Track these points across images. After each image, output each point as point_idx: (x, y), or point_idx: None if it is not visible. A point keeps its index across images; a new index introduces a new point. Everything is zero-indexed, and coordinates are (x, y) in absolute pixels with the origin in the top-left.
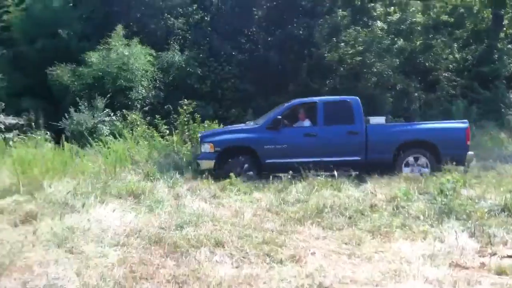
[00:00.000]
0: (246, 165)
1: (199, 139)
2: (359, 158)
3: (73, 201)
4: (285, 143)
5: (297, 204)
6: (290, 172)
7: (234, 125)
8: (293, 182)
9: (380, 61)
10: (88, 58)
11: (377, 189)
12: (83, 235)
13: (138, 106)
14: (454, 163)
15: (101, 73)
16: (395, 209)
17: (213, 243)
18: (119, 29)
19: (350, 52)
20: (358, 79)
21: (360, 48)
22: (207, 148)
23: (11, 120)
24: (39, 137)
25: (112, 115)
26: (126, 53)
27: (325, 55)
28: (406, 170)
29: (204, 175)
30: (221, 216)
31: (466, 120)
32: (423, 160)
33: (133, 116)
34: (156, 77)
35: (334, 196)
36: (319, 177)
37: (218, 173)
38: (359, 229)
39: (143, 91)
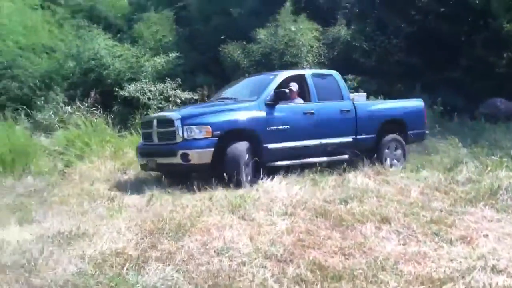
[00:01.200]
0: (248, 154)
1: (173, 122)
2: (351, 140)
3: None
4: (286, 123)
5: (468, 184)
6: None
7: (202, 103)
8: (464, 162)
9: None
10: (257, 35)
11: None
12: (254, 204)
13: None
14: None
15: (268, 50)
16: None
17: (378, 219)
18: (288, 5)
19: None
20: None
21: None
22: (199, 132)
23: (186, 95)
24: None
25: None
26: (293, 29)
27: (504, 26)
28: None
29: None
30: (386, 193)
31: (420, 99)
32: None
33: None
34: (321, 52)
35: (511, 177)
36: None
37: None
38: None
39: (308, 66)
